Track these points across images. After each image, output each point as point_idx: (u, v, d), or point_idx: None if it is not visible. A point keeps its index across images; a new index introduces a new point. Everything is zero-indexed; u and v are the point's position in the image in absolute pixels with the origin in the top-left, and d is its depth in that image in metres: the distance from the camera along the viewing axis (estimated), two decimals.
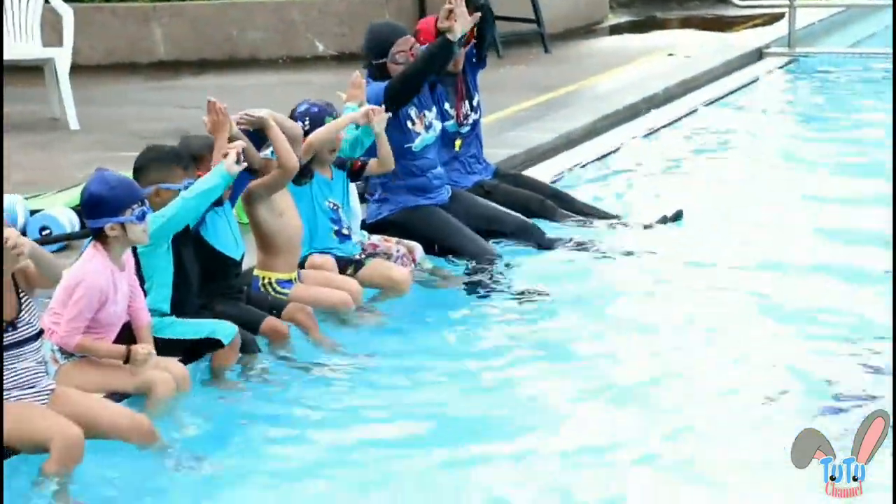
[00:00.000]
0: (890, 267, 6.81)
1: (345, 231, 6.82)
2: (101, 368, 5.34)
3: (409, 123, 7.35)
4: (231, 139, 5.92)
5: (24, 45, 10.64)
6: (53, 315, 5.31)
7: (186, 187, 5.68)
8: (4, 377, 4.89)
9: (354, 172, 6.93)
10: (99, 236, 5.34)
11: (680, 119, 10.99)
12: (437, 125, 7.52)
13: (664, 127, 10.68)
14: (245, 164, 5.79)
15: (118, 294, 5.35)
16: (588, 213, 8.04)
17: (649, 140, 10.31)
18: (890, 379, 5.55)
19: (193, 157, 5.89)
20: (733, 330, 6.37)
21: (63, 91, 10.45)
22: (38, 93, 11.08)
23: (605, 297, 6.87)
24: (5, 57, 10.51)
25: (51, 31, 11.04)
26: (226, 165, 5.71)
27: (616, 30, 15.98)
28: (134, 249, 5.56)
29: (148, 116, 10.86)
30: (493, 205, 7.68)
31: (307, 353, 6.09)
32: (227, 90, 12.07)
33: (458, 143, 7.91)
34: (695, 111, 11.29)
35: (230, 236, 6.09)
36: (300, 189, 6.65)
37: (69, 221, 7.16)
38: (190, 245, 5.87)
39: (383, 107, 6.89)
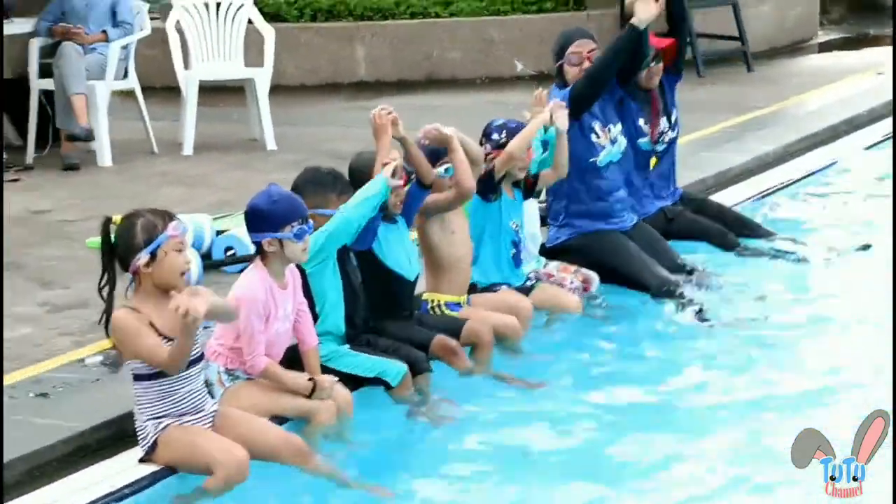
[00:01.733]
0: None
1: (522, 255, 6.78)
2: (266, 392, 5.40)
3: (593, 136, 7.24)
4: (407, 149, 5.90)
5: (226, 65, 10.92)
6: (218, 338, 5.40)
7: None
8: (171, 401, 5.02)
9: (528, 188, 6.86)
10: (260, 251, 5.41)
11: (883, 141, 10.63)
12: (623, 142, 7.37)
13: (868, 149, 10.34)
14: (401, 181, 5.76)
15: (279, 311, 5.39)
16: (770, 238, 7.82)
17: (848, 162, 10.00)
18: None
19: (361, 172, 5.88)
20: None
21: (262, 111, 10.68)
22: (240, 113, 11.37)
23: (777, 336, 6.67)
24: (210, 77, 10.85)
25: (256, 51, 11.31)
26: (384, 174, 5.66)
27: (825, 47, 15.58)
28: (304, 272, 5.63)
29: (345, 136, 11.00)
30: (674, 250, 7.46)
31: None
32: (424, 110, 12.19)
33: (653, 161, 7.78)
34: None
35: (404, 255, 6.06)
36: (487, 207, 6.62)
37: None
38: (358, 264, 5.88)
39: (565, 104, 6.76)
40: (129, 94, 10.67)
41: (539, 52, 13.70)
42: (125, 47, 10.46)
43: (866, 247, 7.78)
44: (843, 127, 10.85)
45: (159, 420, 5.02)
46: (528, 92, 12.95)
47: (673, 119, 7.80)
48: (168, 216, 4.99)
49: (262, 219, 5.37)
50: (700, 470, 5.23)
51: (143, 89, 10.70)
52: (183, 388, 5.03)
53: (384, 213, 5.93)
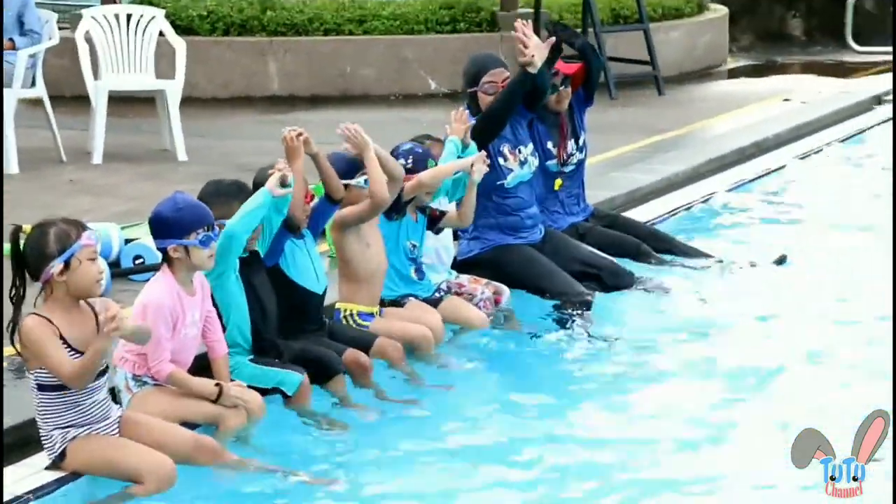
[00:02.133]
0: None
1: (424, 268, 6.80)
2: (174, 397, 5.37)
3: (500, 160, 7.28)
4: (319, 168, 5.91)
5: (137, 77, 10.83)
6: (125, 344, 5.35)
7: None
8: (77, 412, 4.98)
9: (432, 221, 6.90)
10: (166, 259, 5.38)
11: (787, 165, 10.78)
12: (533, 162, 7.42)
13: (771, 172, 10.50)
14: (290, 190, 5.69)
15: (187, 317, 5.37)
16: (687, 253, 7.93)
17: (755, 185, 10.14)
18: None
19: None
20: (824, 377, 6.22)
21: (173, 122, 10.61)
22: (151, 124, 11.28)
23: (698, 342, 6.76)
24: (121, 88, 10.75)
25: (167, 63, 11.23)
26: (268, 185, 5.62)
27: (734, 73, 15.82)
28: None
29: (257, 150, 10.93)
30: (587, 247, 7.59)
31: (387, 386, 6.08)
32: (337, 125, 12.18)
33: (558, 182, 7.86)
34: (806, 156, 11.10)
35: (311, 269, 6.08)
36: (388, 225, 6.66)
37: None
38: (267, 278, 5.88)
39: (486, 157, 6.82)
40: (38, 102, 10.55)
41: (452, 70, 13.76)
42: (33, 56, 10.34)
43: (781, 259, 7.89)
44: (751, 150, 11.00)
45: (66, 430, 4.98)
46: (441, 109, 13.10)
47: (581, 141, 7.88)
48: (80, 226, 4.97)
49: (167, 225, 5.36)
50: (698, 470, 5.26)
51: (52, 98, 10.58)
52: (89, 398, 4.99)
53: (290, 228, 5.92)
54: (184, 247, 5.33)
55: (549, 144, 7.74)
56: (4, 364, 5.89)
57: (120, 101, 11.27)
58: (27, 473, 5.07)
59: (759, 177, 10.31)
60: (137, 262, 7.27)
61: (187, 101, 11.16)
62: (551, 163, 7.76)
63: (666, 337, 6.81)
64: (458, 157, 6.85)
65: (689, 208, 9.31)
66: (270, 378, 5.69)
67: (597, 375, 6.37)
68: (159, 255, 7.04)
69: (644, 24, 13.95)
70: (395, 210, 6.59)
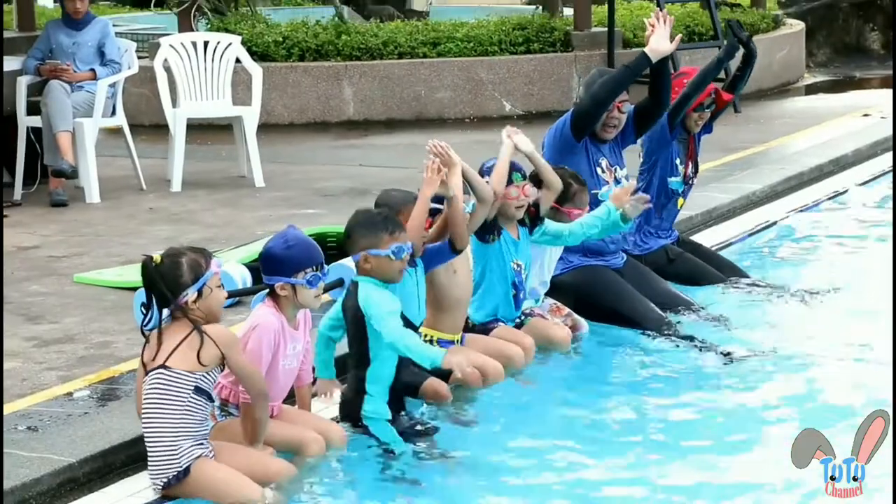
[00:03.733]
0: None
1: (521, 296, 6.71)
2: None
3: (598, 169, 7.25)
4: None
5: (214, 104, 10.95)
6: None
7: (394, 252, 5.59)
8: (205, 428, 5.09)
9: (532, 218, 6.72)
10: (272, 293, 5.42)
11: (870, 181, 10.68)
12: (627, 185, 7.18)
13: (851, 189, 10.40)
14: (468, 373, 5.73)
15: (288, 347, 5.40)
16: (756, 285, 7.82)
17: (834, 202, 10.04)
18: None
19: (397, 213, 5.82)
20: None
21: (250, 148, 10.70)
22: (229, 150, 11.38)
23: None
24: (197, 115, 10.88)
25: (244, 89, 11.34)
26: (454, 367, 5.49)
27: (812, 90, 15.71)
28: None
29: (333, 175, 11.05)
30: (665, 283, 7.48)
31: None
32: (413, 149, 12.23)
33: (681, 201, 7.89)
34: (886, 173, 10.97)
35: (415, 301, 5.96)
36: (487, 248, 6.58)
37: (241, 278, 7.29)
38: None
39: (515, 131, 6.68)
40: (118, 131, 10.69)
41: (526, 91, 13.81)
42: (113, 85, 10.49)
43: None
44: (829, 167, 10.90)
45: (199, 443, 5.05)
46: None
47: (697, 167, 7.94)
48: (208, 254, 5.14)
49: (276, 262, 5.36)
50: (700, 470, 5.25)
51: (132, 127, 10.73)
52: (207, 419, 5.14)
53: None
54: (291, 285, 5.36)
55: (678, 161, 7.76)
56: (86, 392, 5.98)
57: (198, 129, 11.40)
58: (111, 501, 5.14)
59: (840, 193, 10.21)
60: None
61: (264, 127, 11.27)
62: (675, 180, 7.76)
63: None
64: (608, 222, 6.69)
65: (767, 227, 9.22)
66: (387, 434, 5.66)
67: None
68: (237, 283, 7.22)
69: (719, 40, 13.87)
70: (489, 231, 6.51)
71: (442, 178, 5.78)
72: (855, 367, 6.50)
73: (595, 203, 7.03)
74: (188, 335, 5.03)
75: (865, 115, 13.36)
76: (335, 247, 8.18)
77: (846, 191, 10.31)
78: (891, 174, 10.71)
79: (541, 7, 15.39)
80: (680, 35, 7.21)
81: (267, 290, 5.46)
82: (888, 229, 9.00)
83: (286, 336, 5.40)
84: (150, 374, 5.06)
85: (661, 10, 7.14)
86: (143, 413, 5.08)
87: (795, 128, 12.76)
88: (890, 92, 14.94)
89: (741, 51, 7.95)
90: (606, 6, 14.08)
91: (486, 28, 14.16)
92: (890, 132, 12.12)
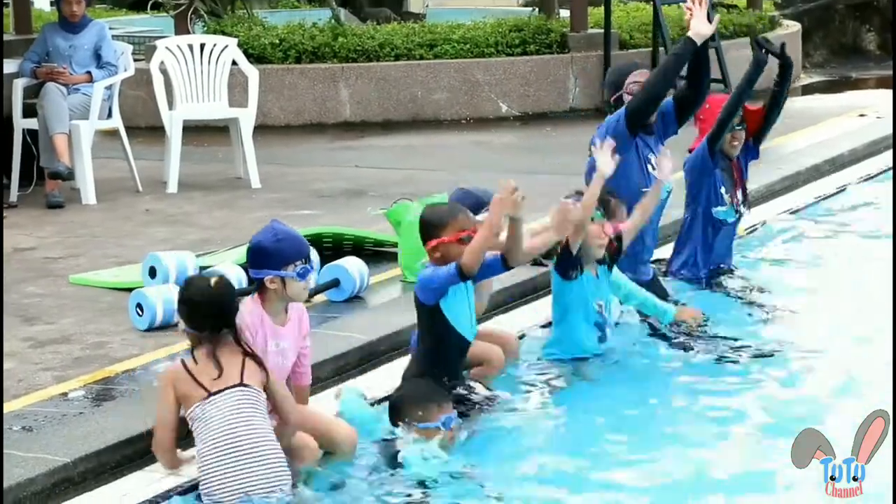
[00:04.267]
0: None
1: (607, 334, 6.61)
2: None
3: (648, 166, 7.12)
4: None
5: (211, 106, 10.95)
6: None
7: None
8: None
9: (612, 256, 6.60)
10: (259, 288, 5.40)
11: (867, 180, 10.68)
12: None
13: (847, 187, 10.40)
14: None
15: (270, 343, 5.37)
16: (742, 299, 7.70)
17: (831, 201, 10.04)
18: None
19: (432, 226, 5.72)
20: None
21: (247, 150, 10.70)
22: (225, 152, 11.38)
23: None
24: (195, 117, 10.88)
25: (241, 91, 11.34)
26: None
27: (808, 90, 15.71)
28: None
29: (329, 176, 11.05)
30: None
31: None
32: (409, 150, 12.25)
33: (740, 229, 7.83)
34: (883, 172, 10.97)
35: (467, 316, 5.82)
36: (569, 285, 6.44)
37: (237, 278, 7.28)
38: (423, 316, 5.81)
39: (612, 143, 6.49)
40: (114, 133, 10.69)
41: (523, 93, 13.81)
42: (109, 87, 10.49)
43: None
44: (825, 167, 10.90)
45: None
46: (513, 132, 13.15)
47: (747, 193, 7.74)
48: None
49: (266, 256, 5.33)
50: (700, 470, 5.26)
51: (128, 129, 10.73)
52: None
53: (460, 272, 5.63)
54: (280, 278, 5.34)
55: (722, 190, 7.57)
56: (81, 392, 5.98)
57: (194, 131, 11.41)
58: (105, 500, 5.14)
59: (838, 191, 10.21)
60: None
61: (260, 129, 11.27)
62: (722, 209, 7.56)
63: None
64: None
65: (763, 225, 9.22)
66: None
67: None
68: (234, 284, 7.17)
69: (716, 42, 13.86)
70: (572, 266, 6.36)
71: (517, 199, 5.54)
72: (852, 365, 6.47)
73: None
74: (244, 358, 5.12)
75: (861, 115, 13.37)
76: (331, 247, 8.22)
77: (843, 190, 10.31)
78: (887, 173, 10.72)
79: (537, 9, 15.40)
80: (719, 15, 7.09)
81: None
82: (881, 228, 9.02)
83: (267, 331, 5.37)
84: (228, 391, 5.06)
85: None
86: (245, 427, 5.03)
87: (792, 128, 12.71)
88: (886, 92, 15.02)
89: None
90: (603, 8, 14.08)
91: (483, 30, 14.16)
92: (886, 132, 12.14)
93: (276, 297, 5.37)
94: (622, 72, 7.34)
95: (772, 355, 6.64)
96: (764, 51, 7.55)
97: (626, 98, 7.15)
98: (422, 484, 5.26)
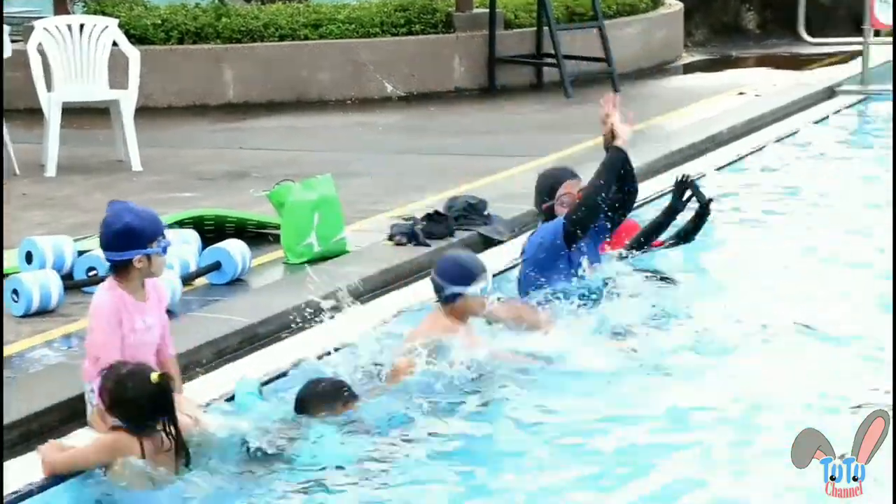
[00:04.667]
0: None
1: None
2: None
3: (580, 271, 6.99)
4: None
5: (90, 87, 10.80)
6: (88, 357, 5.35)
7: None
8: None
9: None
10: (116, 269, 5.37)
11: (742, 158, 10.85)
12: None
13: (725, 166, 10.56)
14: None
15: (136, 322, 5.37)
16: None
17: (707, 179, 10.17)
18: None
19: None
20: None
21: (127, 132, 10.58)
22: (106, 135, 11.24)
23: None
24: (74, 99, 10.72)
25: (122, 73, 11.19)
26: None
27: (690, 69, 15.90)
28: None
29: (212, 158, 10.97)
30: None
31: None
32: (294, 131, 12.19)
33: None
34: (760, 149, 11.15)
35: None
36: None
37: (197, 243, 7.30)
38: None
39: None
40: None
41: (408, 73, 13.81)
42: None
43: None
44: (705, 144, 11.05)
45: None
46: (398, 113, 13.15)
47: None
48: None
49: (134, 236, 5.32)
50: (700, 470, 5.26)
51: (6, 111, 10.53)
52: None
53: None
54: (147, 255, 5.34)
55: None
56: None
57: (74, 113, 11.24)
58: None
59: (717, 168, 10.36)
60: (91, 273, 7.23)
61: (142, 111, 11.13)
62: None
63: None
64: None
65: (647, 203, 9.30)
66: None
67: None
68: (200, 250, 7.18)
69: (599, 21, 14.00)
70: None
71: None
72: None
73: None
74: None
75: (741, 93, 13.56)
76: (213, 230, 8.16)
77: (726, 166, 10.46)
78: (758, 152, 10.90)
79: None
80: (632, 112, 7.09)
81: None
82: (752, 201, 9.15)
83: (130, 310, 5.37)
84: None
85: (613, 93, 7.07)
86: None
87: (673, 106, 12.91)
88: (765, 70, 15.27)
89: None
90: None
91: (368, 10, 14.12)
92: (763, 109, 12.35)
93: (138, 276, 5.39)
94: (554, 179, 7.15)
95: None
96: (687, 197, 7.46)
97: (558, 209, 7.05)
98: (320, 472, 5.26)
